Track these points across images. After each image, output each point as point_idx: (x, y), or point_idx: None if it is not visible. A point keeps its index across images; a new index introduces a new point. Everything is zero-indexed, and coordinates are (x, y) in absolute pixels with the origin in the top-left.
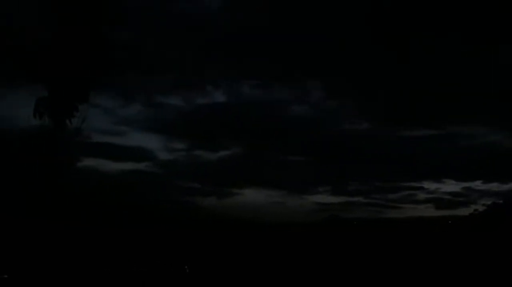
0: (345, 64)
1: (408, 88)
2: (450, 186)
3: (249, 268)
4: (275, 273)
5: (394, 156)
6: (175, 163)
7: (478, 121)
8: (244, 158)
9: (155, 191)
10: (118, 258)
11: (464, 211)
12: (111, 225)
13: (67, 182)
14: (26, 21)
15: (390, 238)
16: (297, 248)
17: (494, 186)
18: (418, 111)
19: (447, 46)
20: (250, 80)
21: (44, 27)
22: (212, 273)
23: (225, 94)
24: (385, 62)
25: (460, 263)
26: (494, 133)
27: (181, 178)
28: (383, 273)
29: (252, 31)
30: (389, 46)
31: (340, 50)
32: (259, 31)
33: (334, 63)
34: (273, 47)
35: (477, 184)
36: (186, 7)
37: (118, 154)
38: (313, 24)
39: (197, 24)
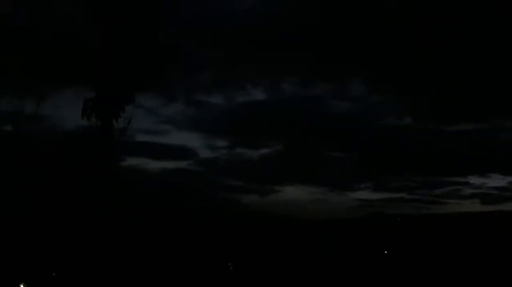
0: (386, 58)
1: (452, 83)
2: (496, 181)
3: (292, 265)
4: (318, 270)
5: (438, 151)
6: (216, 161)
7: None
8: (285, 155)
9: (197, 189)
10: (163, 255)
11: (511, 206)
12: (154, 224)
13: (113, 182)
14: (73, 23)
15: (435, 234)
16: (340, 245)
17: None
18: (462, 105)
19: (490, 40)
20: (290, 77)
21: (90, 30)
22: (255, 270)
23: (265, 92)
24: (428, 57)
25: (508, 259)
26: None
27: (222, 176)
28: (429, 270)
29: (291, 29)
30: (432, 40)
31: (381, 44)
32: (299, 29)
33: (375, 57)
34: (313, 43)
35: None
36: (226, 6)
37: (161, 153)
38: (354, 18)
39: (237, 22)
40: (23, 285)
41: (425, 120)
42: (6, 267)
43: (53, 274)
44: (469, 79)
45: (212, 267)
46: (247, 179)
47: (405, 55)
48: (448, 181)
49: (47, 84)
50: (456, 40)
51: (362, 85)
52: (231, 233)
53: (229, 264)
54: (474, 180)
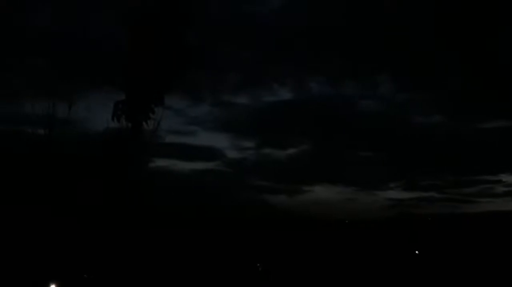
0: (414, 56)
1: (482, 79)
2: None
3: (321, 265)
4: (348, 270)
5: (468, 149)
6: (244, 161)
7: None
8: (313, 155)
9: (226, 190)
10: (192, 255)
11: None
12: (183, 225)
13: (143, 184)
14: (102, 27)
15: (466, 233)
16: (370, 245)
17: None
18: (492, 102)
19: None
20: (317, 77)
21: (120, 32)
22: (285, 270)
23: (292, 92)
24: (456, 53)
25: None
26: None
27: (250, 176)
28: (461, 270)
29: (318, 28)
30: (460, 37)
31: (408, 42)
32: (326, 28)
33: (403, 55)
34: (340, 43)
35: None
36: (252, 7)
37: (189, 154)
38: (381, 16)
39: (263, 23)
40: (54, 285)
41: (455, 118)
42: (37, 267)
43: (85, 276)
44: (499, 75)
45: (241, 268)
46: (275, 179)
47: (433, 52)
48: (480, 179)
49: (77, 87)
50: (486, 36)
51: (390, 84)
52: (259, 233)
53: (258, 264)
54: (506, 178)
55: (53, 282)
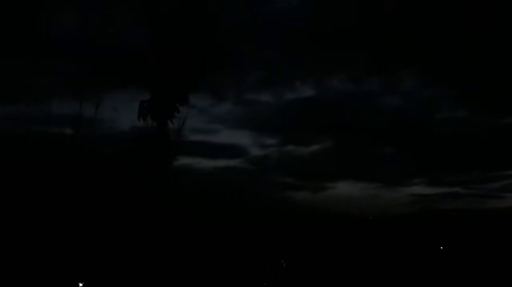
0: (438, 50)
1: (507, 74)
2: None
3: (345, 262)
4: (372, 267)
5: (493, 144)
6: (267, 158)
7: None
8: (336, 151)
9: (249, 187)
10: (217, 253)
11: None
12: (208, 223)
13: (168, 182)
14: (127, 27)
15: (492, 228)
16: (394, 241)
17: None
18: None
19: None
20: (339, 74)
21: (144, 32)
22: (308, 267)
23: (314, 89)
24: (481, 47)
25: None
26: None
27: (273, 173)
28: (488, 265)
29: (339, 24)
30: (485, 30)
31: (431, 36)
32: (347, 24)
33: (426, 50)
34: (362, 39)
35: None
36: (273, 6)
37: (212, 152)
38: (403, 11)
39: (284, 21)
40: (82, 285)
41: (480, 113)
42: (66, 267)
43: (112, 276)
44: None
45: (265, 264)
46: (298, 176)
47: (457, 46)
48: (505, 174)
49: (104, 87)
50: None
51: (414, 79)
52: (283, 230)
53: (282, 261)
54: None
55: (80, 282)
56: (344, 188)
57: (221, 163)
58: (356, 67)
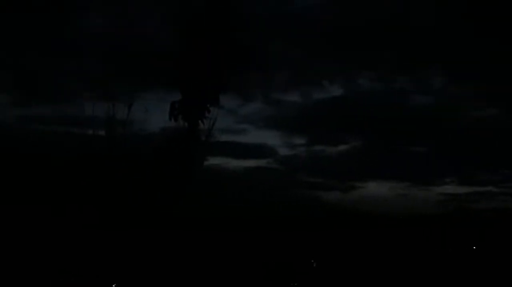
0: (467, 47)
1: None
2: None
3: (376, 262)
4: (403, 267)
5: None
6: (296, 158)
7: None
8: (365, 150)
9: (278, 187)
10: (247, 254)
11: None
12: (237, 223)
13: (199, 182)
14: (157, 28)
15: None
16: (425, 241)
17: None
18: None
19: None
20: (367, 72)
21: (175, 33)
22: (339, 267)
23: (342, 88)
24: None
25: None
26: None
27: (302, 173)
28: None
29: (366, 24)
30: None
31: (460, 33)
32: (375, 22)
33: (455, 47)
34: (390, 36)
35: None
36: (300, 5)
37: (241, 152)
38: (431, 7)
39: (312, 20)
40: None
41: (510, 110)
42: (100, 267)
43: (144, 276)
44: None
45: (295, 265)
46: (327, 176)
47: (486, 42)
48: None
49: (135, 89)
50: None
51: (443, 77)
52: (313, 230)
53: (312, 261)
54: None
55: (114, 283)
56: (374, 188)
57: (250, 163)
58: (385, 66)
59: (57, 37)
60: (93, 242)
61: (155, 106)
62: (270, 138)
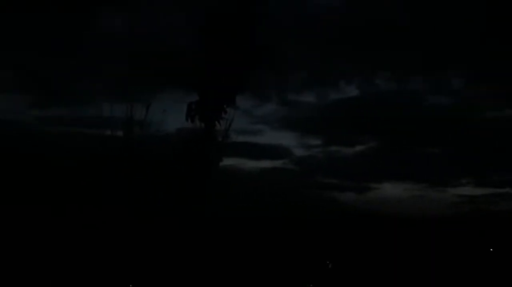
0: (485, 47)
1: None
2: None
3: (391, 263)
4: (418, 269)
5: None
6: (311, 159)
7: None
8: (381, 151)
9: (294, 188)
10: (263, 254)
11: None
12: (253, 223)
13: (214, 183)
14: (174, 29)
15: None
16: (441, 243)
17: None
18: None
19: None
20: (384, 73)
21: (192, 33)
22: (355, 268)
23: (358, 89)
24: None
25: None
26: None
27: (318, 174)
28: None
29: (383, 24)
30: None
31: (478, 33)
32: (391, 23)
33: (472, 48)
34: (406, 37)
35: None
36: (316, 5)
37: (256, 153)
38: (449, 6)
39: (328, 21)
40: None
41: None
42: (117, 268)
43: (161, 276)
44: None
45: (310, 265)
46: (343, 176)
47: (503, 42)
48: None
49: (152, 89)
50: None
51: (460, 78)
52: (328, 231)
53: (328, 262)
54: None
55: (131, 284)
56: (389, 189)
57: (265, 164)
58: (401, 66)
59: (75, 39)
60: (109, 243)
61: (172, 107)
62: (286, 139)
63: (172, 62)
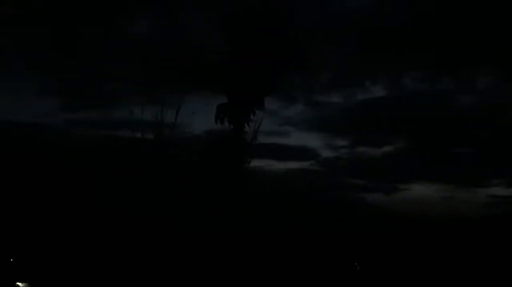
0: None
1: None
2: None
3: (421, 265)
4: (449, 271)
5: None
6: (338, 160)
7: None
8: (409, 152)
9: (321, 189)
10: (290, 255)
11: None
12: (280, 224)
13: (244, 184)
14: (203, 29)
15: None
16: (473, 245)
17: None
18: None
19: None
20: (411, 73)
21: (220, 35)
22: (383, 270)
23: (385, 89)
24: None
25: None
26: None
27: (345, 175)
28: None
29: (410, 23)
30: None
31: (508, 30)
32: (418, 21)
33: (501, 45)
34: (435, 35)
35: None
36: (343, 5)
37: (283, 154)
38: (476, 6)
39: (355, 21)
40: None
41: None
42: (140, 268)
43: (189, 275)
44: None
45: (339, 267)
46: (370, 177)
47: None
48: None
49: (182, 92)
50: None
51: (489, 77)
52: (356, 232)
53: (356, 263)
54: None
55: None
56: (419, 190)
57: (292, 165)
58: (428, 66)
59: (105, 42)
60: (139, 242)
61: (200, 109)
62: (312, 140)
63: (201, 65)
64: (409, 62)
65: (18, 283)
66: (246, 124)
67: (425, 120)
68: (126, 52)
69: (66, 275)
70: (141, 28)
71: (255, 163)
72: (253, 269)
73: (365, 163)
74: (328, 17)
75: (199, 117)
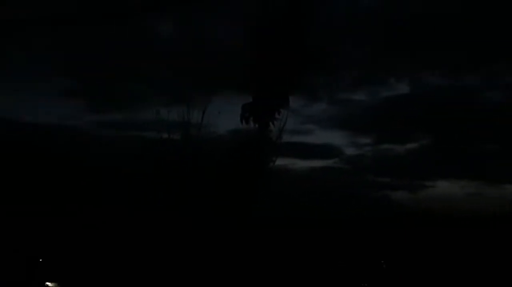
0: None
1: None
2: None
3: (447, 263)
4: (476, 269)
5: None
6: (362, 158)
7: None
8: (434, 149)
9: (345, 187)
10: (315, 253)
11: None
12: (305, 223)
13: (266, 183)
14: (228, 30)
15: None
16: (501, 242)
17: None
18: None
19: None
20: (436, 69)
21: (245, 35)
22: (409, 268)
23: (409, 86)
24: None
25: None
26: None
27: (370, 173)
28: None
29: (433, 20)
30: None
31: None
32: (442, 17)
33: None
34: (458, 32)
35: None
36: (366, 2)
37: (307, 153)
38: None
39: (378, 18)
40: None
41: None
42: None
43: (217, 272)
44: None
45: (365, 265)
46: (395, 175)
47: None
48: None
49: (208, 92)
50: None
51: None
52: (382, 231)
53: (382, 261)
54: None
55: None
56: (445, 187)
57: (316, 163)
58: (453, 62)
59: (131, 43)
60: (165, 242)
61: (225, 109)
62: (336, 138)
63: (225, 65)
64: (433, 59)
65: (47, 283)
66: (271, 123)
67: (450, 116)
68: (151, 53)
69: (94, 275)
70: (166, 29)
71: (279, 161)
72: (276, 269)
73: (389, 161)
74: (352, 15)
75: (224, 117)
